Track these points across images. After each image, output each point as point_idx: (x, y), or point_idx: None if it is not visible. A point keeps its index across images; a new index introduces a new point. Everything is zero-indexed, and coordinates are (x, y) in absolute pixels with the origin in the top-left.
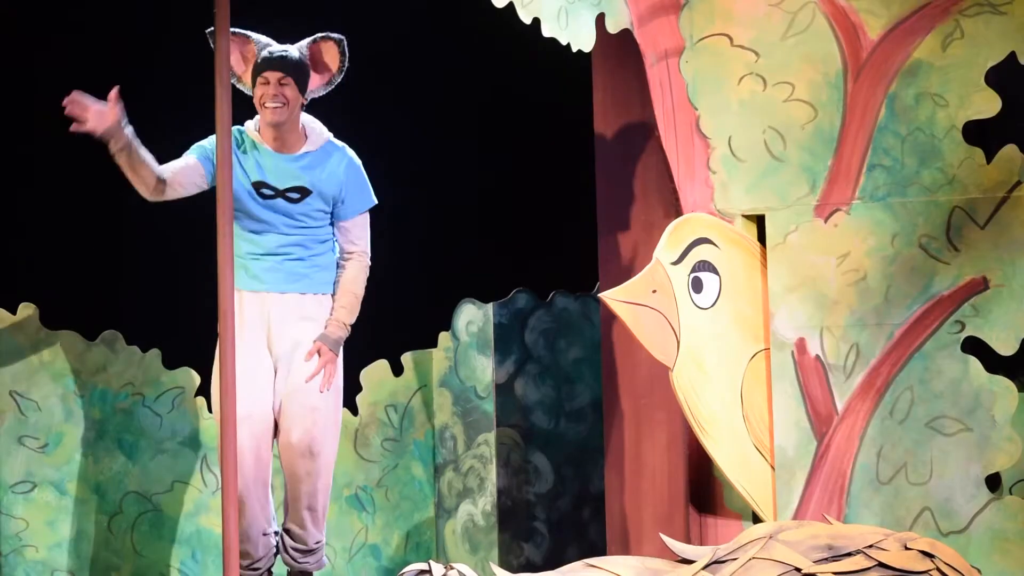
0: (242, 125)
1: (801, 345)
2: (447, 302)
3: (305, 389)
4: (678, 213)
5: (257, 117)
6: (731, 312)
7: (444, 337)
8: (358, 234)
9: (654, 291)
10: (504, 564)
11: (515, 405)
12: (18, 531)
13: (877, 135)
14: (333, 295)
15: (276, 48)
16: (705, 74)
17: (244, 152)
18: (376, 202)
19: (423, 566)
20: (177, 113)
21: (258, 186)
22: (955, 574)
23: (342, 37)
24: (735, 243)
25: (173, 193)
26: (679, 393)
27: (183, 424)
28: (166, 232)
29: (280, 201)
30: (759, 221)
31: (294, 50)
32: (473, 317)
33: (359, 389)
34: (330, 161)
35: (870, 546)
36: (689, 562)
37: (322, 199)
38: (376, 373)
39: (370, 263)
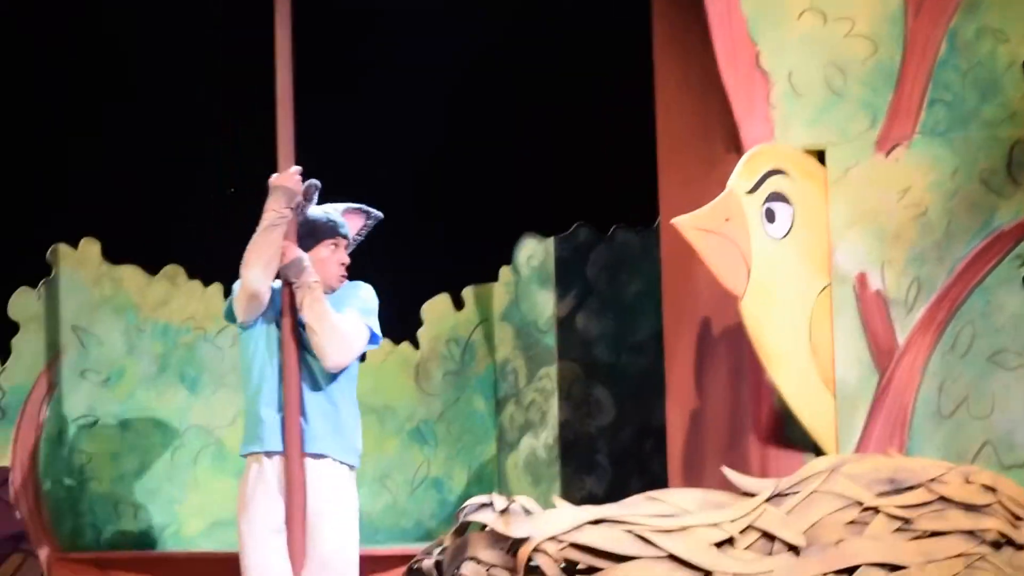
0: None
1: (862, 279)
2: (508, 236)
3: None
4: (738, 148)
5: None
6: (803, 244)
7: (505, 271)
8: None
9: (727, 219)
10: (566, 497)
11: (576, 339)
12: (82, 464)
13: (937, 70)
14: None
15: (334, 215)
16: (765, 9)
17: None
18: (377, 344)
19: (485, 499)
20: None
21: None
22: (1017, 507)
23: (380, 216)
24: (809, 176)
25: (254, 307)
26: (748, 323)
27: None
28: (228, 167)
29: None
30: (819, 156)
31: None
32: (534, 251)
33: (420, 323)
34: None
35: (932, 480)
36: (751, 495)
37: None
38: (437, 307)
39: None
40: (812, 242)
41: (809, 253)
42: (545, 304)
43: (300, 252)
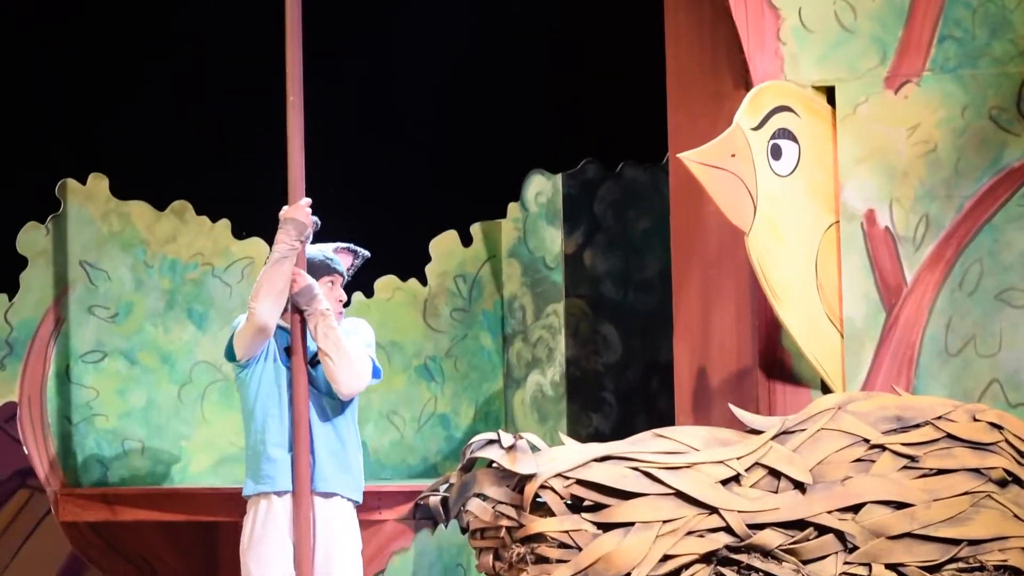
0: None
1: (870, 216)
2: (516, 173)
3: None
4: (747, 84)
5: None
6: (809, 181)
7: (513, 208)
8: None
9: (733, 155)
10: (572, 434)
11: (584, 275)
12: (89, 400)
13: (948, 6)
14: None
15: (329, 253)
16: None
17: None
18: (379, 378)
19: (492, 436)
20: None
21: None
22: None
23: (367, 255)
24: (816, 113)
25: (259, 342)
26: (754, 259)
27: None
28: (236, 103)
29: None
30: (828, 93)
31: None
32: (542, 188)
33: (428, 259)
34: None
35: (939, 417)
36: (757, 432)
37: None
38: (445, 243)
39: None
40: (819, 180)
41: (816, 191)
42: (553, 241)
43: (311, 280)
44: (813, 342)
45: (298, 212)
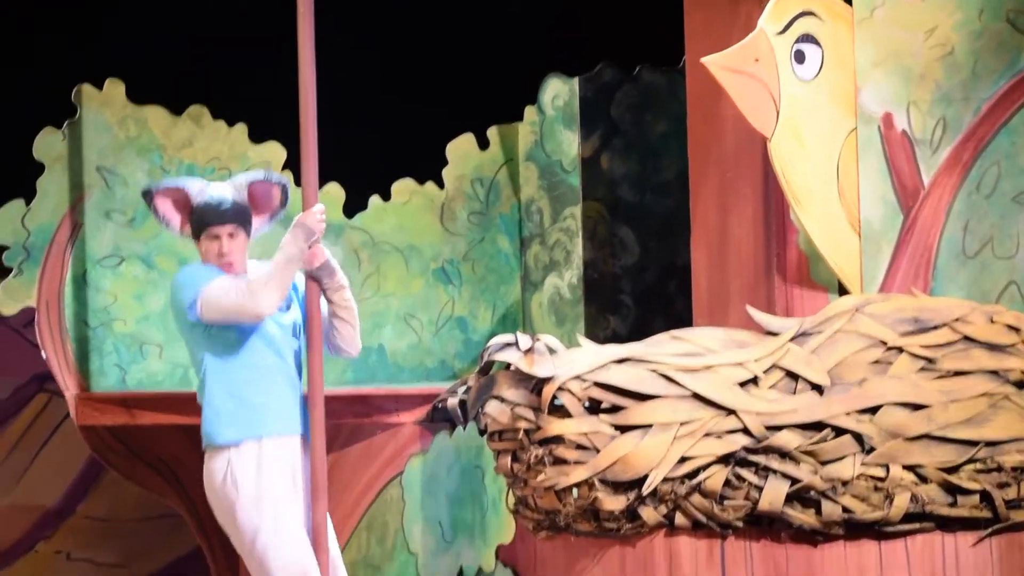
0: None
1: (888, 120)
2: (533, 76)
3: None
4: None
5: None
6: (832, 86)
7: (530, 111)
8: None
9: (756, 60)
10: (590, 336)
11: (601, 178)
12: (106, 305)
13: None
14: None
15: (215, 195)
16: None
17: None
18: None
19: (510, 338)
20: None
21: None
22: None
23: (285, 182)
24: (839, 17)
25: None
26: (776, 163)
27: None
28: (253, 6)
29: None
30: None
31: (232, 192)
32: (559, 91)
33: (444, 163)
34: None
35: (956, 319)
36: (775, 334)
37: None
38: (462, 146)
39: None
40: (841, 84)
41: (838, 95)
42: (570, 144)
43: (328, 254)
44: (832, 246)
45: (310, 218)
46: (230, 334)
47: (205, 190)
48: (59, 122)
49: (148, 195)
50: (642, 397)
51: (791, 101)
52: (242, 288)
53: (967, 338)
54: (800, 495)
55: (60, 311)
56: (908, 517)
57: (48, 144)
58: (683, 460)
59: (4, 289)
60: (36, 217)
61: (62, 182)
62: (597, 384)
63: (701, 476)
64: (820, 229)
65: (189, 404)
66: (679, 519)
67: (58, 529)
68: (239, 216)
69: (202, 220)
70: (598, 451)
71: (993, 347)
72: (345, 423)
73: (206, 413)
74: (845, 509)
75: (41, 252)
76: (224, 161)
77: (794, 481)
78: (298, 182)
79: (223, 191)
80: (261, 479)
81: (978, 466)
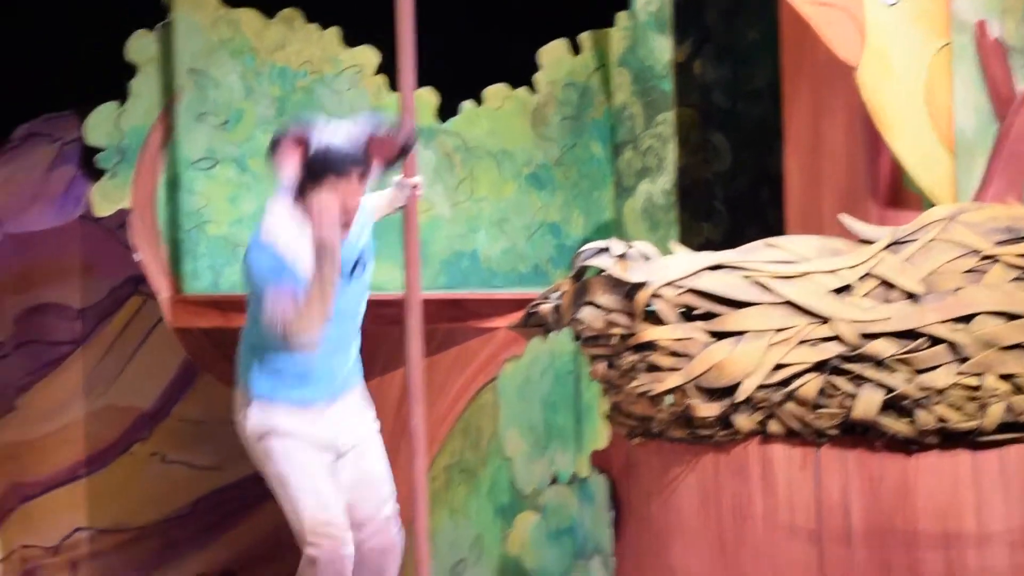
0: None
1: (982, 28)
2: None
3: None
4: None
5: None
6: (916, 6)
7: (622, 16)
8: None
9: None
10: (683, 242)
11: (694, 84)
12: (199, 207)
13: None
14: None
15: (340, 140)
16: None
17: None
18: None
19: (603, 244)
20: None
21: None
22: None
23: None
24: None
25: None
26: (864, 94)
27: (362, 102)
28: None
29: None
30: None
31: (355, 135)
32: None
33: (537, 68)
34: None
35: None
36: (869, 242)
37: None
38: (554, 52)
39: None
40: (925, 4)
41: (923, 15)
42: (662, 50)
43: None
44: (925, 171)
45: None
46: None
47: (328, 133)
48: (152, 24)
49: (275, 143)
50: (736, 304)
51: (876, 27)
52: (289, 316)
53: None
54: (894, 404)
55: (153, 213)
56: (1003, 427)
57: (141, 46)
58: (777, 367)
59: (99, 190)
60: (129, 119)
61: (155, 84)
62: (691, 290)
63: (795, 384)
64: (912, 154)
65: None
66: (773, 427)
67: (153, 431)
68: (365, 166)
69: (326, 167)
70: (692, 358)
71: None
72: (439, 327)
73: (247, 360)
74: (939, 418)
75: (135, 154)
76: (316, 64)
77: (888, 390)
78: (393, 86)
79: (347, 135)
80: (291, 442)
81: None
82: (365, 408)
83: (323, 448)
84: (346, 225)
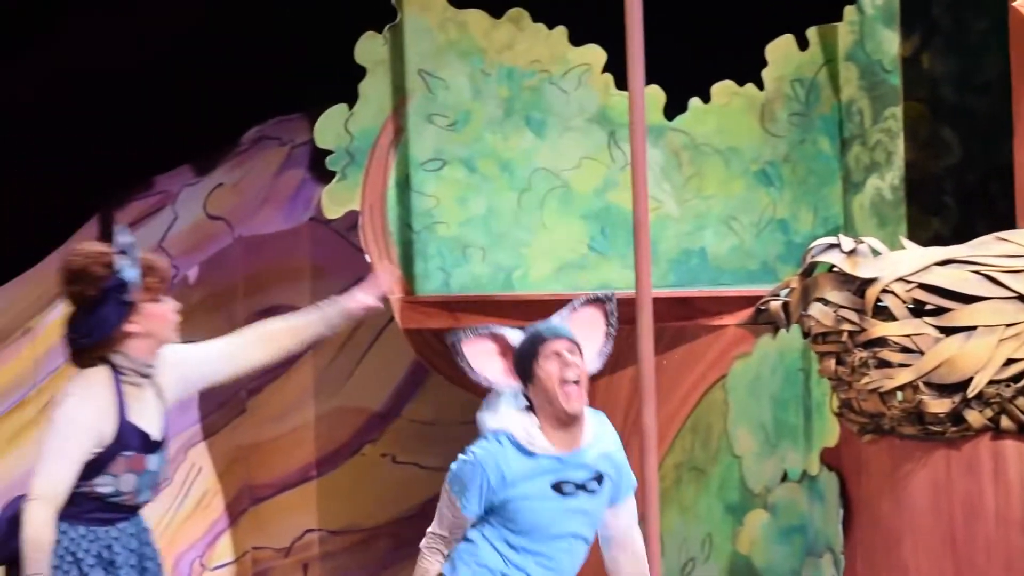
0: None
1: None
2: None
3: None
4: None
5: (519, 417)
6: None
7: (849, 11)
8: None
9: None
10: (912, 238)
11: (922, 78)
12: (429, 208)
13: None
14: None
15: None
16: None
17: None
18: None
19: (832, 240)
20: None
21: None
22: None
23: (610, 298)
24: None
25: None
26: None
27: (590, 101)
28: None
29: (582, 495)
30: None
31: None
32: None
33: (764, 64)
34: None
35: None
36: None
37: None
38: (781, 48)
39: None
40: None
41: None
42: (890, 43)
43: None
44: None
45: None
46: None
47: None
48: (380, 26)
49: (455, 346)
50: (966, 299)
51: None
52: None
53: None
54: None
55: (384, 215)
56: None
57: (370, 48)
58: (1009, 362)
59: (328, 193)
60: (359, 121)
61: (384, 86)
62: (921, 286)
63: None
64: None
65: (513, 308)
66: (1005, 422)
67: (384, 432)
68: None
69: (537, 338)
70: (922, 353)
71: None
72: (668, 326)
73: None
74: None
75: (364, 156)
76: (544, 64)
77: None
78: (619, 85)
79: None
80: None
81: None
82: None
83: None
84: None
